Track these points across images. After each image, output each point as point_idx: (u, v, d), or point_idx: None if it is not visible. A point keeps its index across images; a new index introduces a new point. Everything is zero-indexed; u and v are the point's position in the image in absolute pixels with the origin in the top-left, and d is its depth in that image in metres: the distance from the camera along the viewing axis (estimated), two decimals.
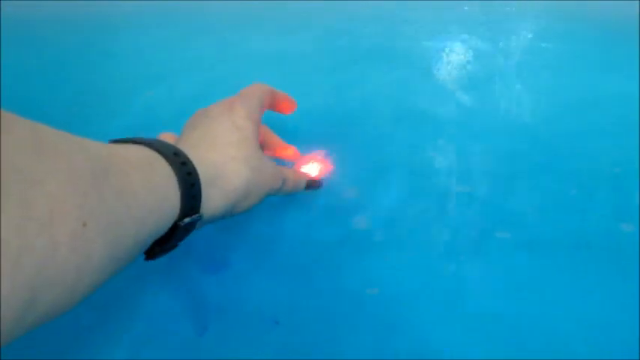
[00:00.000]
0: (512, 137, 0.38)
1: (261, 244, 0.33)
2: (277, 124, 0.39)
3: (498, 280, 0.31)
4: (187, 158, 0.23)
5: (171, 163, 0.22)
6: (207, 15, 0.52)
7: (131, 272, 0.21)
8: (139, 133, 0.24)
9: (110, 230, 0.17)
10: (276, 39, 0.48)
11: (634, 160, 0.35)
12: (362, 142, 0.38)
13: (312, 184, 0.33)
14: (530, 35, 0.47)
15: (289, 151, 0.34)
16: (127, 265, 0.20)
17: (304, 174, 0.33)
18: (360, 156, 0.37)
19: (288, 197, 0.35)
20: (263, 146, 0.33)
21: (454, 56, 0.45)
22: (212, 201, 0.24)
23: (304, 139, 0.38)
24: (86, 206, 0.16)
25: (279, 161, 0.33)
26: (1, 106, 0.16)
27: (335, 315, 0.30)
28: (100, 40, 0.51)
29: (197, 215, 0.23)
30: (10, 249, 0.13)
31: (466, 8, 0.50)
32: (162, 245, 0.23)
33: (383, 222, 0.34)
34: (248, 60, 0.47)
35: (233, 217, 0.28)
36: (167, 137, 0.29)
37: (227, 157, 0.26)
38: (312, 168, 0.35)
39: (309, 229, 0.34)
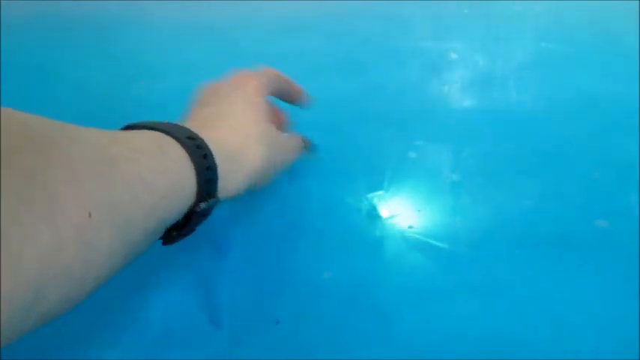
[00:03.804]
0: (510, 137, 0.38)
1: (259, 243, 0.33)
2: None
3: (481, 277, 0.31)
4: (202, 140, 0.22)
5: (185, 146, 0.21)
6: (207, 14, 0.52)
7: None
8: None
9: (118, 219, 0.17)
10: (277, 39, 0.48)
11: (634, 160, 0.35)
12: (360, 142, 0.38)
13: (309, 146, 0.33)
14: (530, 36, 0.47)
15: (301, 95, 0.33)
16: (139, 253, 0.19)
17: (302, 137, 0.32)
18: (359, 155, 0.37)
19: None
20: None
21: (454, 57, 0.45)
22: (230, 183, 0.23)
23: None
24: (89, 196, 0.16)
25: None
26: (1, 106, 0.16)
27: (336, 315, 0.30)
28: (99, 40, 0.51)
29: (214, 200, 0.22)
30: (10, 246, 0.13)
31: (466, 11, 0.50)
32: (179, 230, 0.22)
33: (383, 222, 0.34)
34: (248, 60, 0.47)
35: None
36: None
37: (243, 135, 0.25)
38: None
39: (309, 229, 0.34)
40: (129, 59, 0.49)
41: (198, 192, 0.21)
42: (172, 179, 0.20)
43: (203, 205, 0.22)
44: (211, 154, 0.22)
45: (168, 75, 0.46)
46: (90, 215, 0.15)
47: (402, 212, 0.34)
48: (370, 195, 0.35)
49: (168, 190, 0.19)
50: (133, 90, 0.45)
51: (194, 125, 0.24)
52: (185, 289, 0.32)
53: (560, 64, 0.44)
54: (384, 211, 0.34)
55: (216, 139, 0.23)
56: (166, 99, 0.43)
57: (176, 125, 0.22)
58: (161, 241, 0.23)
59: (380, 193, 0.35)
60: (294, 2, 0.52)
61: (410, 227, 0.33)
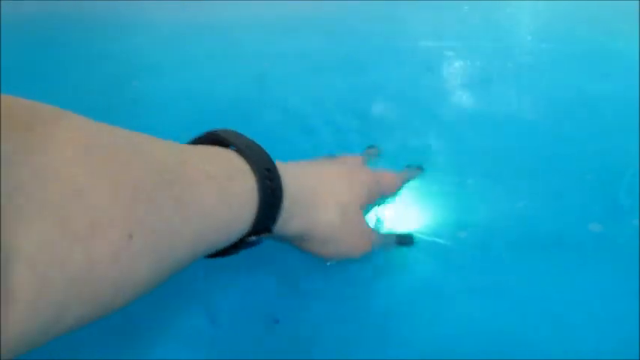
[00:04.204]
0: (510, 137, 0.38)
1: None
2: (277, 120, 0.39)
3: (481, 277, 0.31)
4: (277, 175, 0.20)
5: (258, 176, 0.20)
6: (207, 14, 0.52)
7: None
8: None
9: (162, 243, 0.16)
10: (277, 39, 0.48)
11: (634, 161, 0.35)
12: (360, 142, 0.38)
13: (404, 241, 0.31)
14: (529, 36, 0.47)
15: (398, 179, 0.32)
16: (178, 272, 0.18)
17: (393, 236, 0.31)
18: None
19: None
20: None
21: (454, 56, 0.45)
22: (288, 223, 0.22)
23: (306, 139, 0.38)
24: (134, 217, 0.15)
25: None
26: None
27: (336, 314, 0.30)
28: (99, 40, 0.51)
29: (267, 234, 0.21)
30: (36, 265, 0.12)
31: (466, 8, 0.50)
32: (221, 251, 0.21)
33: (384, 222, 0.34)
34: (248, 60, 0.47)
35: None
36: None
37: (326, 188, 0.24)
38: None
39: None
40: (128, 59, 0.49)
41: (254, 225, 0.20)
42: (232, 210, 0.19)
43: (254, 237, 0.21)
44: (281, 192, 0.20)
45: (169, 75, 0.46)
46: (131, 237, 0.14)
47: (402, 213, 0.34)
48: None
49: (223, 221, 0.18)
50: (133, 90, 0.45)
51: (290, 163, 0.23)
52: (185, 289, 0.32)
53: (560, 64, 0.44)
54: (384, 212, 0.34)
55: (295, 177, 0.22)
56: (166, 99, 0.43)
57: (259, 148, 0.21)
58: None
59: None
60: (294, 2, 0.52)
61: (411, 227, 0.33)
